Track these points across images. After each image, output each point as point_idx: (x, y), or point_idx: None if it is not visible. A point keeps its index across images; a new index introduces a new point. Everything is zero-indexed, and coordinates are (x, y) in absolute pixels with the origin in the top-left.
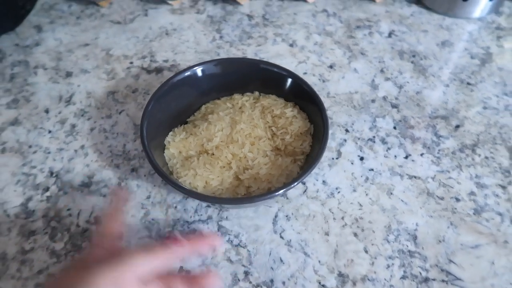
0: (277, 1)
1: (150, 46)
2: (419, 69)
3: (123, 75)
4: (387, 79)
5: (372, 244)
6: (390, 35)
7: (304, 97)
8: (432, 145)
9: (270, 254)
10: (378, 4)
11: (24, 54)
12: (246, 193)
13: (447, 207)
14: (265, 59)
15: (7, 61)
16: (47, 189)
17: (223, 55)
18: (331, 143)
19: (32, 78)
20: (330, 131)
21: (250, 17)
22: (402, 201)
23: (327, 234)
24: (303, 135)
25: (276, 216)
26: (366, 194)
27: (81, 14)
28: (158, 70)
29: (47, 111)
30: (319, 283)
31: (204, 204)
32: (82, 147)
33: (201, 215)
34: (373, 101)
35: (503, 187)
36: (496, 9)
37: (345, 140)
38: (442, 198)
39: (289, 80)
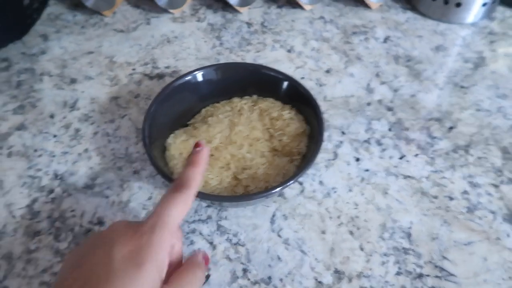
0: (275, 9)
1: (152, 53)
2: (414, 73)
3: (126, 81)
4: (383, 83)
5: (368, 242)
6: (385, 40)
7: (300, 100)
8: (426, 146)
9: (268, 252)
10: (374, 11)
11: (30, 62)
12: (245, 192)
13: (440, 206)
14: (263, 64)
15: (13, 69)
16: (51, 191)
17: (223, 61)
18: (328, 145)
19: (38, 85)
20: (326, 134)
21: (249, 24)
22: (397, 200)
23: (323, 232)
24: (299, 136)
25: (273, 216)
26: (362, 194)
27: (86, 24)
28: (160, 76)
29: (52, 116)
30: (316, 279)
31: (204, 204)
32: (86, 150)
33: (201, 215)
34: (368, 104)
35: (496, 186)
36: (488, 15)
37: (341, 142)
38: (436, 197)
39: (286, 84)
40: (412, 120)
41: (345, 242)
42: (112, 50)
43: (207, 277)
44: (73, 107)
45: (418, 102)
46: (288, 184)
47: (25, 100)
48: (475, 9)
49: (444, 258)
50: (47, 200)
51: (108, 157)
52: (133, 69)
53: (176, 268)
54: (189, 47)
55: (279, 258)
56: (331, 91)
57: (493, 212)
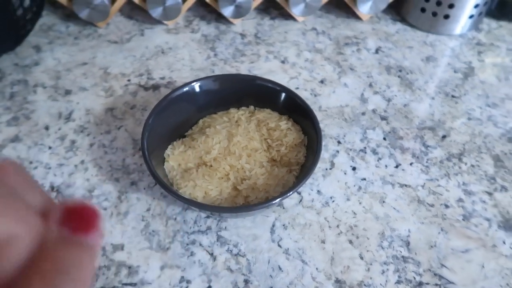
0: (268, 20)
1: (146, 64)
2: (406, 83)
3: (121, 92)
4: (376, 93)
5: (367, 251)
6: (377, 51)
7: (297, 111)
8: (420, 155)
9: (269, 262)
10: (365, 22)
11: (23, 73)
12: (245, 202)
13: (437, 214)
14: (258, 75)
15: (6, 80)
16: None
17: (217, 72)
18: (324, 154)
19: (31, 97)
20: (323, 143)
21: (242, 35)
22: (394, 208)
23: (323, 242)
24: (297, 146)
25: (273, 226)
26: (360, 203)
27: (79, 35)
28: (155, 87)
29: (47, 128)
30: None
31: (203, 215)
32: (82, 162)
33: (200, 225)
34: (363, 114)
35: (490, 194)
36: (475, 26)
37: (337, 151)
38: (432, 205)
39: (283, 95)
40: (406, 129)
41: (345, 251)
42: (106, 61)
43: None
44: (68, 118)
45: (411, 111)
46: (289, 194)
47: (18, 111)
48: (462, 21)
49: (443, 266)
50: None
51: (105, 168)
52: (128, 80)
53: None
54: (183, 58)
55: (280, 269)
56: (326, 101)
57: (488, 220)
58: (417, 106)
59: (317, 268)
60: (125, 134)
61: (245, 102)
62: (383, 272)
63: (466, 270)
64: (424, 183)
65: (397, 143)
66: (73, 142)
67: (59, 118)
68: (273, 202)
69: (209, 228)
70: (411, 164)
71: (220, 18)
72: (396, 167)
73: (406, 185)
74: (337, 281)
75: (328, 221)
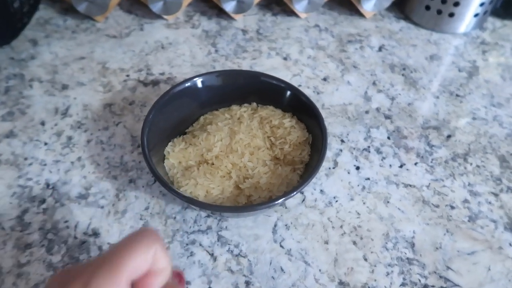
0: (270, 16)
1: (146, 60)
2: (410, 82)
3: (120, 87)
4: (380, 91)
5: (371, 252)
6: (380, 49)
7: (302, 108)
8: (425, 155)
9: (270, 263)
10: (368, 20)
11: (19, 68)
12: (247, 201)
13: (442, 215)
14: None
15: (2, 74)
16: (43, 201)
17: (218, 68)
18: (328, 153)
19: (27, 91)
20: None
21: (244, 31)
22: (399, 209)
23: (326, 242)
24: (301, 144)
25: (275, 226)
26: (364, 203)
27: (77, 29)
28: (155, 83)
29: (43, 124)
30: None
31: (204, 214)
32: (79, 159)
33: (200, 225)
34: (366, 112)
35: (495, 195)
36: (480, 25)
37: (341, 150)
38: (437, 206)
39: (288, 92)
40: (410, 128)
41: (349, 252)
42: (104, 56)
43: None
44: (65, 114)
45: (415, 110)
46: (294, 194)
47: (14, 106)
48: (467, 19)
49: (448, 268)
50: (38, 211)
51: (103, 165)
52: (127, 76)
53: None
54: (183, 53)
55: (282, 270)
56: (329, 99)
57: (494, 221)
58: (421, 105)
59: (320, 270)
60: (124, 130)
61: (248, 98)
62: (387, 274)
63: (472, 273)
64: (429, 184)
65: (402, 142)
66: (69, 138)
67: (56, 114)
68: (277, 202)
69: (209, 227)
70: (415, 164)
71: (221, 13)
72: (401, 166)
73: (410, 185)
74: (341, 283)
75: (331, 221)
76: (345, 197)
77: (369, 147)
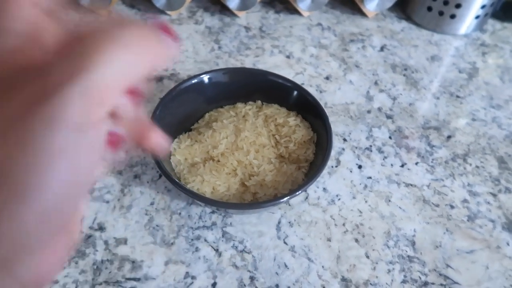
0: (273, 14)
1: None
2: (411, 82)
3: None
4: (381, 91)
5: (373, 250)
6: (382, 49)
7: (307, 108)
8: (426, 155)
9: (274, 259)
10: (370, 19)
11: None
12: (253, 199)
13: (442, 214)
14: (265, 70)
15: None
16: None
17: (222, 65)
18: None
19: None
20: None
21: (247, 28)
22: (400, 208)
23: (329, 240)
24: (306, 143)
25: (279, 223)
26: (366, 201)
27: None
28: (158, 79)
29: None
30: (324, 287)
31: (208, 210)
32: None
33: (205, 221)
34: (368, 111)
35: (494, 195)
36: (480, 27)
37: (343, 149)
38: (437, 205)
39: (293, 91)
40: (411, 128)
41: (351, 249)
42: None
43: (214, 285)
44: None
45: (416, 110)
46: (300, 192)
47: None
48: (468, 21)
49: (448, 266)
50: None
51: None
52: None
53: None
54: (187, 50)
55: (286, 266)
56: (331, 98)
57: (492, 221)
58: (422, 105)
59: (323, 266)
60: None
61: (253, 96)
62: (389, 271)
63: (471, 271)
64: (430, 183)
65: (403, 142)
66: None
67: None
68: (283, 200)
69: (214, 223)
70: (416, 163)
71: (224, 10)
72: (402, 166)
73: (411, 185)
74: (343, 279)
75: (334, 219)
76: (348, 196)
77: (371, 146)
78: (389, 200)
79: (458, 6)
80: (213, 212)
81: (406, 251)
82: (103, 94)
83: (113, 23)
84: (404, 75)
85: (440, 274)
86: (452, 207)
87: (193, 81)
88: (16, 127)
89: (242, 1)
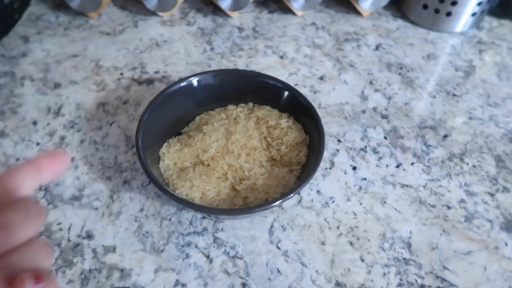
0: (267, 14)
1: (140, 58)
2: (407, 81)
3: (114, 86)
4: (376, 90)
5: (368, 253)
6: (377, 48)
7: (299, 109)
8: (422, 155)
9: (267, 265)
10: (365, 18)
11: (10, 65)
12: (244, 203)
13: (439, 215)
14: (258, 71)
15: None
16: None
17: (214, 66)
18: (324, 153)
19: (18, 90)
20: None
21: (240, 29)
22: (395, 209)
23: (323, 243)
24: (298, 145)
25: (271, 227)
26: (360, 203)
27: (69, 25)
28: (149, 82)
29: (35, 123)
30: None
31: (199, 215)
32: (72, 159)
33: (196, 226)
34: (363, 112)
35: (491, 195)
36: (477, 24)
37: (337, 150)
38: (433, 206)
39: (285, 92)
40: (407, 128)
41: (346, 253)
42: (98, 54)
43: None
44: (57, 113)
45: (412, 110)
46: (291, 196)
47: (5, 105)
48: (464, 19)
49: (445, 268)
50: None
51: (96, 166)
52: (121, 74)
53: None
54: (178, 51)
55: (278, 271)
56: (326, 98)
57: (490, 221)
58: (418, 105)
59: (317, 271)
60: (118, 130)
61: (244, 98)
62: (384, 274)
63: (468, 273)
64: (426, 184)
65: (398, 142)
66: (62, 138)
67: (48, 113)
68: (274, 204)
69: (205, 229)
70: (412, 164)
71: (217, 10)
72: (397, 166)
73: (407, 185)
74: (338, 284)
75: (328, 222)
76: (342, 198)
77: (365, 147)
78: (384, 202)
79: (454, 3)
80: (204, 217)
81: (402, 254)
82: None
83: None
84: (399, 74)
85: (437, 277)
86: (448, 207)
87: (182, 84)
88: None
89: (234, 1)
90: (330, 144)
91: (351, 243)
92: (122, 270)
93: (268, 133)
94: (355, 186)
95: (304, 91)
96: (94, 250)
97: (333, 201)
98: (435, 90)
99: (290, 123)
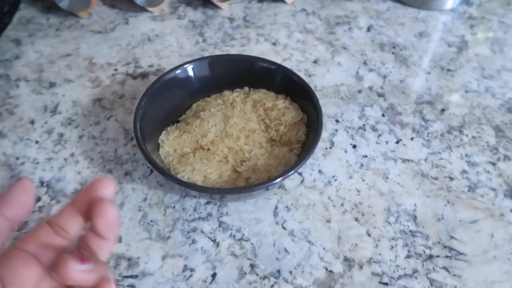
0: (256, 3)
1: (133, 53)
2: (400, 59)
3: (108, 82)
4: (371, 70)
5: (374, 227)
6: (369, 29)
7: (294, 89)
8: (421, 129)
9: (274, 245)
10: (355, 1)
11: (3, 68)
12: (246, 184)
13: (442, 187)
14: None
15: None
16: (38, 199)
17: None
18: (323, 134)
19: (14, 91)
20: None
21: (231, 19)
22: (398, 184)
23: (328, 221)
24: (297, 124)
25: (276, 208)
26: (363, 180)
27: (60, 26)
28: (144, 75)
29: (32, 122)
30: (326, 269)
31: (203, 201)
32: (72, 155)
33: (200, 212)
34: (359, 91)
35: (493, 164)
36: (466, 0)
37: (336, 130)
38: (436, 178)
39: (279, 73)
40: (404, 105)
41: (352, 229)
42: (91, 52)
43: (214, 275)
44: (54, 111)
45: (407, 87)
46: (292, 172)
47: (1, 107)
48: None
49: (452, 237)
50: (34, 209)
51: (97, 160)
52: (115, 70)
53: None
54: (171, 45)
55: (286, 251)
56: (321, 80)
57: (494, 189)
58: (414, 81)
59: (324, 248)
60: (116, 124)
61: (239, 83)
62: (391, 247)
63: (475, 241)
64: (427, 157)
65: (396, 118)
66: (61, 135)
67: (45, 112)
68: (276, 181)
69: (209, 214)
70: (411, 139)
71: (206, 3)
72: (397, 142)
73: (408, 160)
74: (346, 259)
75: (332, 200)
76: (344, 176)
77: (364, 125)
78: (387, 177)
79: None
80: (207, 202)
81: (408, 226)
82: None
83: None
84: (392, 53)
85: (445, 246)
86: (451, 179)
87: (176, 72)
88: None
89: None
90: (328, 125)
91: (356, 219)
92: (129, 259)
93: (265, 115)
94: (356, 163)
95: (299, 75)
96: None
97: (335, 180)
98: (430, 66)
99: (287, 103)
